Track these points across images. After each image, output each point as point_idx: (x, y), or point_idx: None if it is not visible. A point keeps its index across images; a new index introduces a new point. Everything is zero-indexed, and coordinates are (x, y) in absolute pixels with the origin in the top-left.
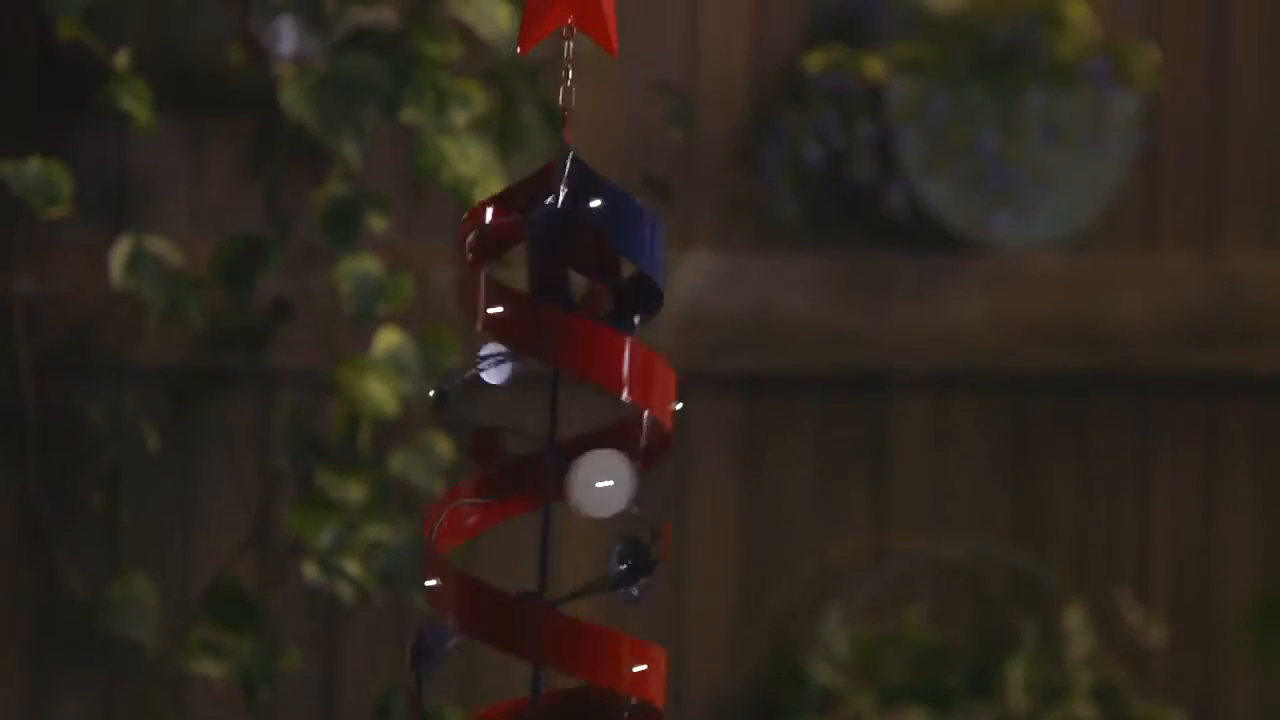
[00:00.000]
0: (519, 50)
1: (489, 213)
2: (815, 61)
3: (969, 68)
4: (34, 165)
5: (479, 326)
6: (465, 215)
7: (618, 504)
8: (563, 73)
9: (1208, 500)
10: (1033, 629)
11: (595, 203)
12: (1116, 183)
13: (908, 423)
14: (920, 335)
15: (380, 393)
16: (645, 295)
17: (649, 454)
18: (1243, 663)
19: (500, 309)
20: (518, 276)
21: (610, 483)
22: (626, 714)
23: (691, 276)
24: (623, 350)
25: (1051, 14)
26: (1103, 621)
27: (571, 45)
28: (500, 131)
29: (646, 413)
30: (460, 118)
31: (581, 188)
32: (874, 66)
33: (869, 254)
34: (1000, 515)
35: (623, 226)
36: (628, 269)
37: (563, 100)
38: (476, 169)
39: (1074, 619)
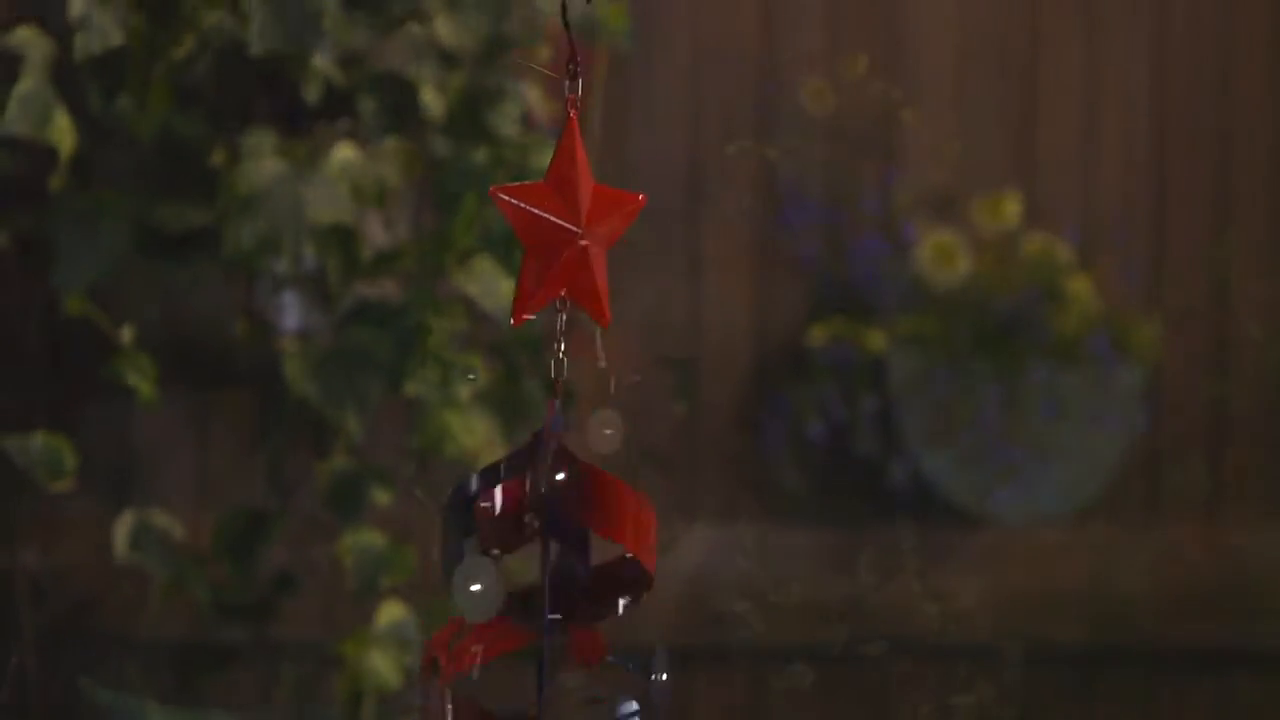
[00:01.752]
0: (512, 322)
1: (498, 496)
2: (818, 334)
3: (970, 342)
4: (39, 439)
5: None
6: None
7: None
8: (555, 345)
9: None
10: None
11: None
12: (1119, 456)
13: (912, 696)
14: (923, 611)
15: (383, 665)
16: (631, 578)
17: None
18: None
19: None
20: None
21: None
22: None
23: (694, 551)
24: None
25: (1053, 289)
26: None
27: (564, 318)
28: (503, 404)
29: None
30: (464, 391)
31: (560, 465)
32: (876, 340)
33: (871, 527)
34: None
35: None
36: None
37: (553, 372)
38: (480, 441)
39: None
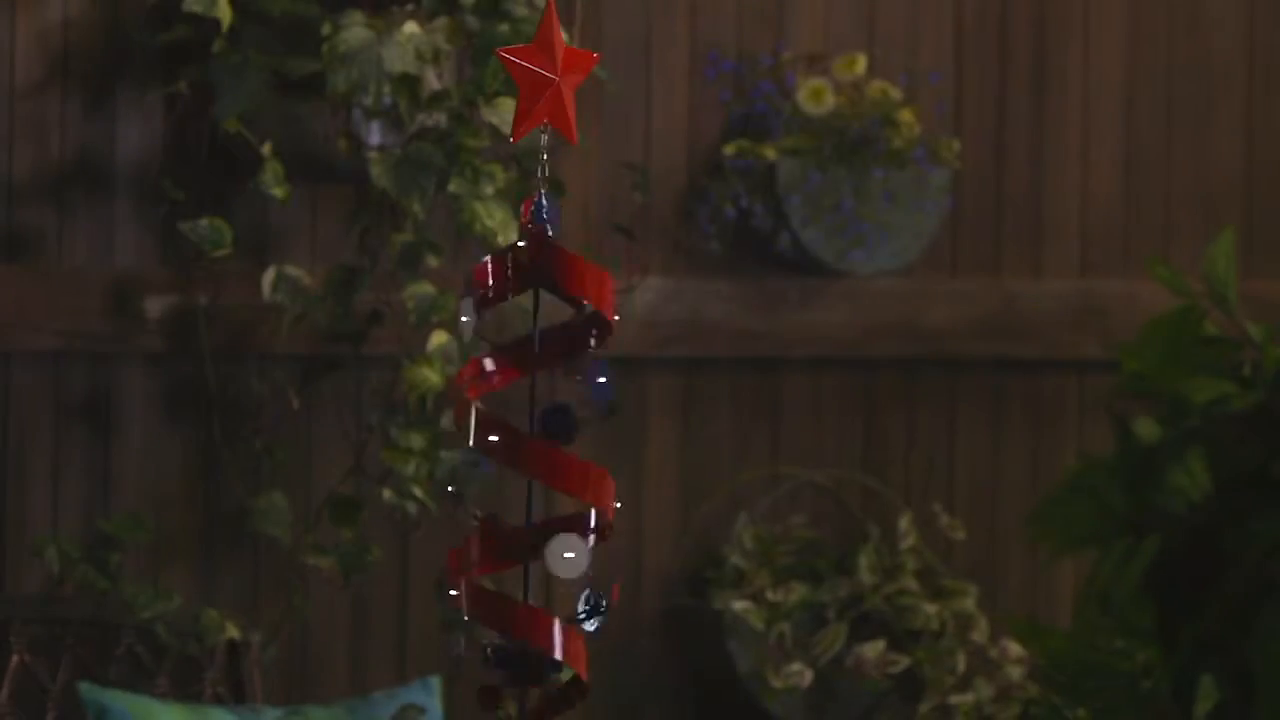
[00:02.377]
0: (512, 139)
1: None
2: (730, 149)
3: (834, 153)
4: (204, 222)
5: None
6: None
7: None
8: (539, 154)
9: (995, 440)
10: (876, 529)
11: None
12: (931, 230)
13: (793, 392)
14: (801, 334)
15: (432, 374)
16: (596, 329)
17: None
18: (1020, 550)
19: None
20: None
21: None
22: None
23: (647, 294)
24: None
25: (889, 116)
26: (922, 524)
27: (546, 136)
28: (516, 197)
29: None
30: (488, 188)
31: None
32: (770, 152)
33: (767, 279)
34: (855, 451)
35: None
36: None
37: (540, 172)
38: (498, 224)
39: (904, 523)
